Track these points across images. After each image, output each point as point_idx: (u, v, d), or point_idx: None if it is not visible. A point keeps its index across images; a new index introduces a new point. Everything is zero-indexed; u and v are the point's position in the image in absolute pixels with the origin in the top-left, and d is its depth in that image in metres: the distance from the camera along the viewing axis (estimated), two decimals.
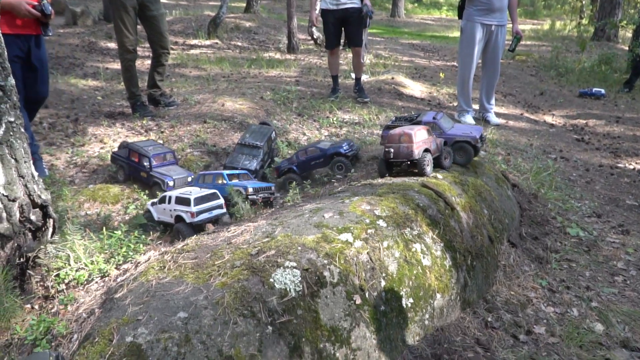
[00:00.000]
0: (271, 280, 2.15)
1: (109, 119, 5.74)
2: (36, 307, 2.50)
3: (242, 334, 1.97)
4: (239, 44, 13.04)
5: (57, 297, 2.50)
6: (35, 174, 2.53)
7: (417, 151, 3.28)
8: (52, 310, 2.44)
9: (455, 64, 6.91)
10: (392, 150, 3.32)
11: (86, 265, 2.63)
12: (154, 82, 6.11)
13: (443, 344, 2.62)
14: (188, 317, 1.97)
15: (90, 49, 10.93)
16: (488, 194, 3.61)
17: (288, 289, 2.15)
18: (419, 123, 3.76)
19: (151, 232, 3.47)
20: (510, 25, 6.68)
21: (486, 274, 3.16)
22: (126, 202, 4.16)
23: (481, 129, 3.82)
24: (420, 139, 3.30)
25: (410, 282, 2.57)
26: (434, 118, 3.74)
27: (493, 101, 7.05)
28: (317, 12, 7.44)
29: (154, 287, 2.17)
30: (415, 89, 8.57)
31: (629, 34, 13.94)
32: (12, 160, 2.32)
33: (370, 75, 9.21)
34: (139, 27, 5.73)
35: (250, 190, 3.76)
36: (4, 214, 2.31)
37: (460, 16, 6.62)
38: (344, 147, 4.19)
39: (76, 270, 2.62)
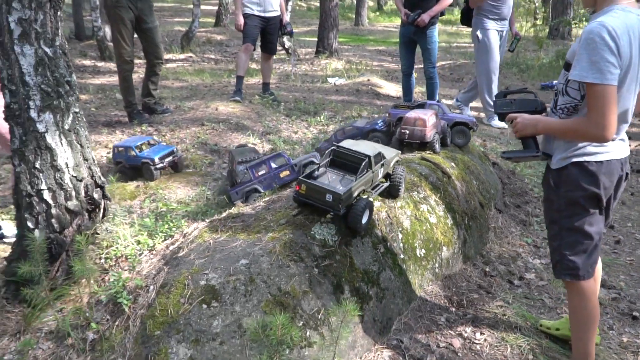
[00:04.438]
0: (312, 232, 2.55)
1: (108, 127, 6.02)
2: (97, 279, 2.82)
3: (294, 275, 2.36)
4: (212, 56, 13.37)
5: (117, 267, 2.83)
6: (95, 158, 2.87)
7: (430, 134, 3.74)
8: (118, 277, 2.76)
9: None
10: (407, 132, 3.76)
11: (138, 242, 2.98)
12: (149, 90, 6.42)
13: (452, 288, 3.05)
14: (249, 263, 2.35)
15: None
16: (475, 168, 4.08)
17: (326, 239, 2.55)
18: (423, 106, 4.23)
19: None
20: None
21: (480, 234, 3.62)
22: (143, 197, 4.48)
23: (474, 119, 4.30)
24: (431, 122, 3.76)
25: (421, 236, 3.00)
26: (438, 101, 4.21)
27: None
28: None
29: (212, 245, 2.55)
30: (391, 89, 9.07)
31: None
32: (78, 146, 2.66)
33: (347, 78, 9.69)
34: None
35: (157, 160, 4.38)
36: (74, 192, 2.65)
37: (464, 22, 6.99)
38: (379, 124, 4.45)
39: (125, 247, 2.96)
